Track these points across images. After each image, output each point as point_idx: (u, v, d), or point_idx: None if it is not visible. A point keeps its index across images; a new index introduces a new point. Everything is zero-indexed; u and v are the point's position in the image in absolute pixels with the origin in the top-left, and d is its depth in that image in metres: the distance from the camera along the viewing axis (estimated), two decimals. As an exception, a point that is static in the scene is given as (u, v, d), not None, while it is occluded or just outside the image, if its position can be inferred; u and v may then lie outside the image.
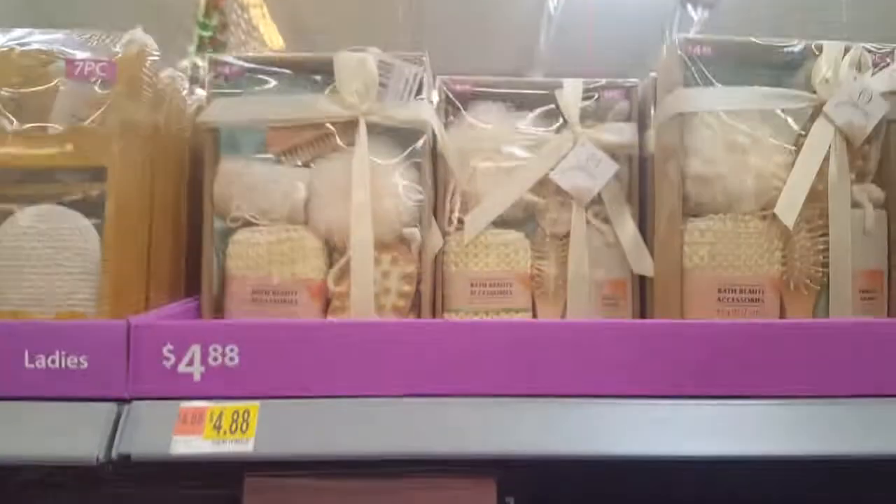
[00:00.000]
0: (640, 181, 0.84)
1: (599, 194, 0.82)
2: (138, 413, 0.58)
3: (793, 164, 0.74)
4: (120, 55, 0.68)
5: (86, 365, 0.60)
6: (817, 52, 0.76)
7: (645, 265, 0.81)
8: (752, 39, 0.76)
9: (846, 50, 0.76)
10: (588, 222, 0.83)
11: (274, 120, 0.78)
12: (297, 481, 0.67)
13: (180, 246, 0.81)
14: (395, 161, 0.79)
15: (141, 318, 0.64)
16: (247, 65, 0.80)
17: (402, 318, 0.78)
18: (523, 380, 0.63)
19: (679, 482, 0.78)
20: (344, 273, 0.77)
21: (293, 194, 0.78)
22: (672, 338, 0.64)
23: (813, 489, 0.78)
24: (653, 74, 0.83)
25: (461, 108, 0.85)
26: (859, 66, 0.76)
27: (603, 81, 0.85)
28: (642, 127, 0.84)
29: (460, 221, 0.83)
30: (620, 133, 0.83)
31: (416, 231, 0.78)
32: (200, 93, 0.83)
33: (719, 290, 0.74)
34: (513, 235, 0.82)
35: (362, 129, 0.77)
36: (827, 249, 0.74)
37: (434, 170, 0.83)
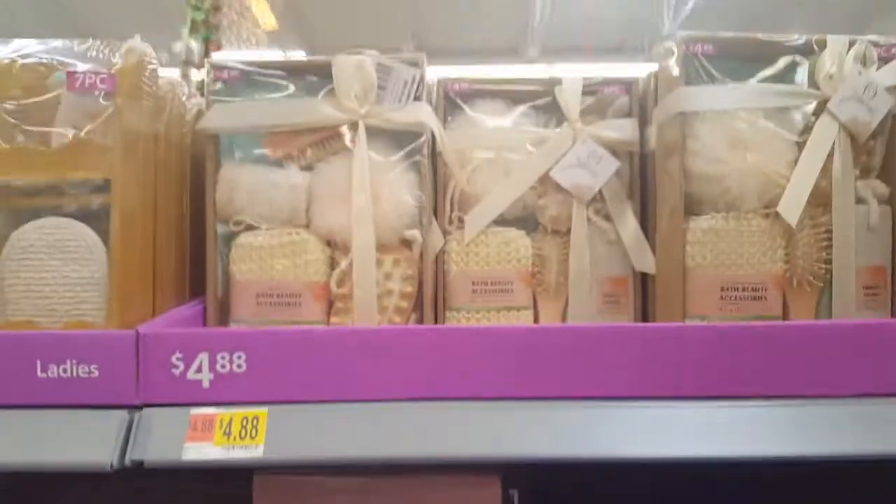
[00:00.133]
0: (641, 177, 0.84)
1: (600, 191, 0.82)
2: (149, 420, 0.60)
3: (796, 161, 0.74)
4: (119, 65, 0.69)
5: (96, 373, 0.61)
6: (821, 47, 0.76)
7: (646, 262, 0.81)
8: (755, 35, 0.76)
9: (851, 44, 0.75)
10: (589, 220, 0.83)
11: (273, 125, 0.78)
12: (305, 479, 0.69)
13: (184, 250, 0.82)
14: (394, 163, 0.79)
15: (149, 326, 0.65)
16: (245, 69, 0.80)
17: (405, 319, 0.79)
18: (527, 383, 0.64)
19: (682, 473, 0.79)
20: (346, 275, 0.78)
21: (294, 198, 0.79)
22: (673, 340, 0.65)
23: (815, 490, 0.78)
24: (653, 69, 0.83)
25: (459, 107, 0.85)
26: (864, 61, 0.75)
27: (602, 77, 0.85)
28: (643, 122, 0.84)
29: (461, 220, 0.83)
30: (621, 129, 0.83)
31: (417, 233, 0.79)
32: (199, 100, 0.83)
33: (722, 289, 0.74)
34: (513, 233, 0.83)
35: (361, 132, 0.77)
36: (830, 246, 0.74)
37: (434, 169, 0.83)
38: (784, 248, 0.74)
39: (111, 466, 0.56)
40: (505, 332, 0.66)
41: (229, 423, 0.59)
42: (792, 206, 0.72)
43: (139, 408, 0.61)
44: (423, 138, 0.79)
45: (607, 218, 0.83)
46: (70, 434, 0.59)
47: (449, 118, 0.85)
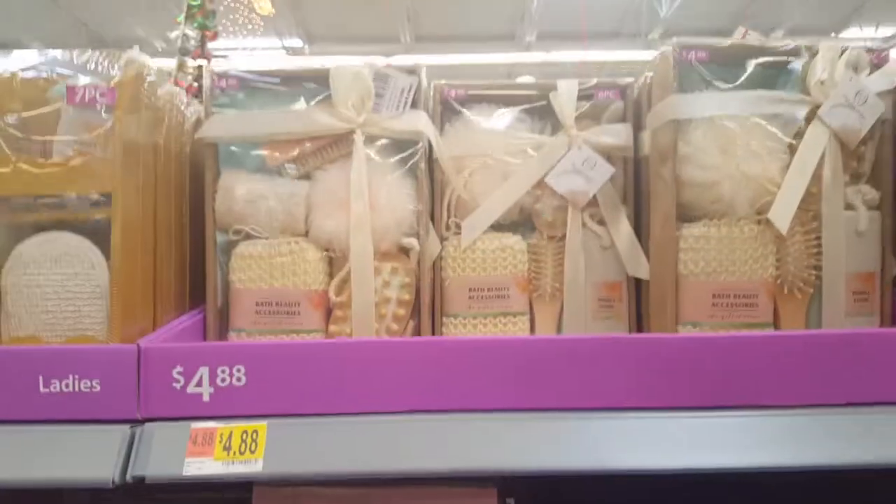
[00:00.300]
0: (635, 182, 0.85)
1: (595, 196, 0.83)
2: (151, 435, 0.61)
3: (787, 167, 0.75)
4: (119, 78, 0.69)
5: (98, 388, 0.62)
6: (813, 53, 0.76)
7: (640, 268, 0.82)
8: (747, 42, 0.76)
9: (842, 50, 0.76)
10: (584, 225, 0.83)
11: (272, 134, 0.79)
12: (303, 489, 0.70)
13: (184, 259, 0.83)
14: (392, 171, 0.80)
15: (150, 340, 0.66)
16: (244, 76, 0.81)
17: (403, 327, 0.80)
18: (523, 395, 0.65)
19: (679, 479, 0.80)
20: (345, 283, 0.79)
21: (293, 206, 0.80)
22: (668, 351, 0.66)
23: (812, 495, 0.80)
24: (648, 74, 0.83)
25: (456, 112, 0.85)
26: (856, 67, 0.76)
27: (596, 81, 0.85)
28: (637, 127, 0.85)
29: (457, 227, 0.84)
30: (616, 135, 0.84)
31: (414, 241, 0.80)
32: (198, 108, 0.83)
33: (714, 296, 0.75)
34: (510, 239, 0.83)
35: (359, 141, 0.78)
36: (820, 252, 0.75)
37: (430, 176, 0.84)
38: (775, 255, 0.75)
39: (112, 483, 0.57)
40: (501, 344, 0.67)
41: (229, 438, 0.60)
42: (782, 213, 0.73)
43: (140, 422, 0.62)
44: (419, 146, 0.80)
45: (602, 223, 0.84)
46: (72, 449, 0.60)
47: (446, 124, 0.85)
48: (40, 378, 0.62)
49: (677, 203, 0.77)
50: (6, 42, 6.59)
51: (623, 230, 0.83)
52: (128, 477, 0.58)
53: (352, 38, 6.65)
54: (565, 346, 0.67)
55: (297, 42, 7.03)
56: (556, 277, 0.84)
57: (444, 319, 0.83)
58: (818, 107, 0.75)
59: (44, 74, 0.70)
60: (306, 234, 0.80)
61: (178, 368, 0.63)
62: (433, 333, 0.82)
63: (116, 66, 0.71)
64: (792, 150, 0.75)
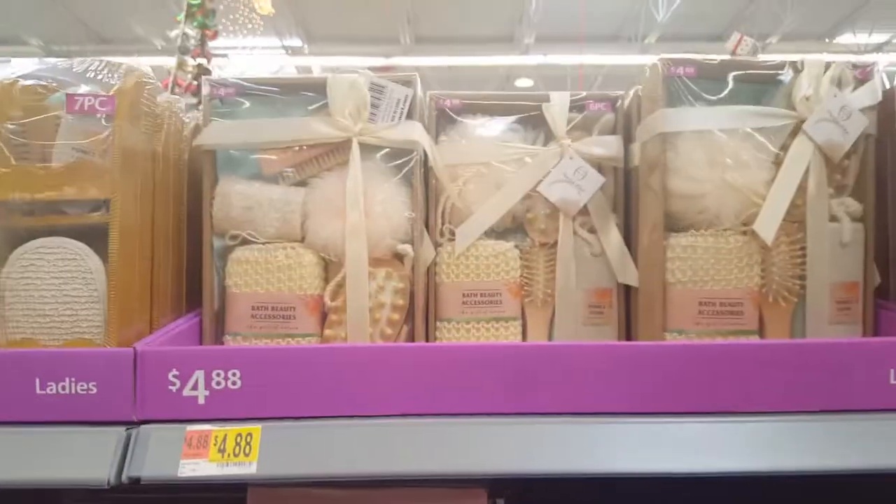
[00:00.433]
0: (625, 192, 0.87)
1: (586, 205, 0.84)
2: (146, 437, 0.62)
3: (772, 180, 0.76)
4: (118, 87, 0.70)
5: (95, 390, 0.64)
6: (799, 69, 0.78)
7: (629, 275, 0.84)
8: (734, 58, 0.78)
9: (827, 66, 0.78)
10: (575, 233, 0.85)
11: (269, 142, 0.80)
12: (297, 490, 0.71)
13: (181, 263, 0.84)
14: (387, 179, 0.81)
15: (147, 344, 0.67)
16: (242, 84, 0.82)
17: (397, 331, 0.81)
18: (514, 399, 0.66)
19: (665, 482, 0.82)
20: (340, 288, 0.80)
21: (289, 213, 0.81)
22: (655, 358, 0.67)
23: (803, 497, 0.81)
24: (638, 87, 0.85)
25: (451, 121, 0.87)
26: (839, 83, 0.77)
27: (588, 93, 0.87)
28: (627, 139, 0.86)
29: (451, 233, 0.85)
30: (607, 146, 0.85)
31: (409, 247, 0.81)
32: (196, 114, 0.85)
33: (700, 304, 0.77)
34: (502, 246, 0.85)
35: (355, 150, 0.79)
36: (805, 263, 0.77)
37: (426, 183, 0.85)
38: (760, 265, 0.77)
39: (108, 483, 0.58)
40: (493, 349, 0.69)
41: (224, 440, 0.61)
42: (768, 225, 0.75)
43: (136, 424, 0.64)
44: (415, 154, 0.82)
45: (592, 231, 0.86)
46: (68, 450, 0.61)
47: (441, 133, 0.87)
48: (37, 380, 0.64)
49: (665, 213, 0.78)
50: (6, 39, 6.59)
51: (613, 238, 0.85)
52: (123, 478, 0.59)
53: (351, 39, 6.67)
54: (555, 353, 0.68)
55: (296, 42, 7.05)
56: (547, 284, 0.85)
57: (438, 324, 0.84)
58: (803, 121, 0.76)
59: (43, 82, 0.71)
60: (302, 239, 0.82)
61: (174, 372, 0.64)
62: (427, 338, 0.83)
63: (116, 75, 0.72)
64: (777, 163, 0.77)
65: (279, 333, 0.79)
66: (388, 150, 0.82)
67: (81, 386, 0.64)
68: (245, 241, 0.81)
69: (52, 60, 0.73)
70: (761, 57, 0.81)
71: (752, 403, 0.67)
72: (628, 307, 0.86)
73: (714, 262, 0.76)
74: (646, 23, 6.34)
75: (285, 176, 0.82)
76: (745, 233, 0.77)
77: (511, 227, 0.88)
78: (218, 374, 0.65)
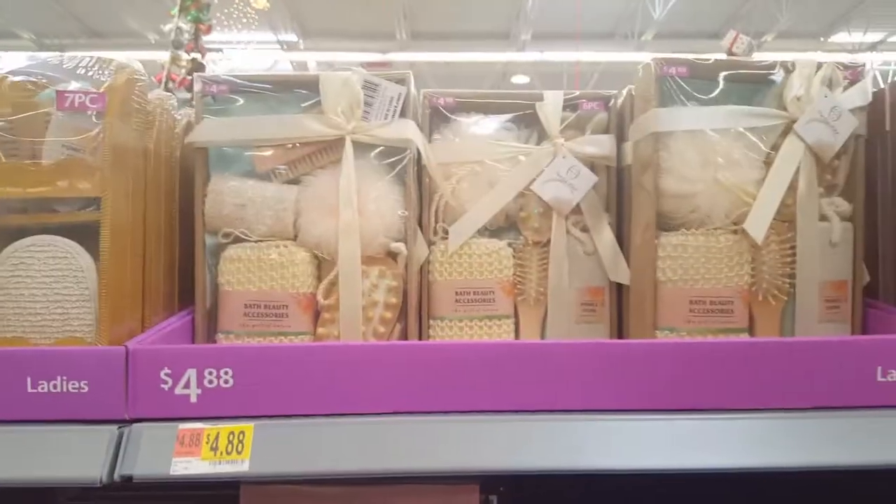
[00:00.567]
0: (617, 191, 0.87)
1: (579, 204, 0.85)
2: (138, 435, 0.62)
3: (763, 179, 0.77)
4: (108, 83, 0.70)
5: (86, 389, 0.64)
6: (790, 69, 0.78)
7: (621, 273, 0.84)
8: (727, 58, 0.78)
9: (818, 67, 0.78)
10: (568, 231, 0.85)
11: (261, 139, 0.80)
12: (289, 488, 0.72)
13: (173, 261, 0.84)
14: (380, 177, 0.81)
15: (138, 342, 0.67)
16: (235, 81, 0.82)
17: (390, 329, 0.81)
18: (506, 397, 0.67)
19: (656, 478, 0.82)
20: (333, 286, 0.80)
21: (282, 211, 0.81)
22: (647, 356, 0.68)
23: (790, 500, 0.82)
24: (630, 87, 0.85)
25: (444, 120, 0.87)
26: (830, 84, 0.78)
27: (581, 92, 0.87)
28: (620, 138, 0.87)
29: (445, 232, 0.85)
30: (600, 145, 0.86)
31: (402, 245, 0.81)
32: (189, 111, 0.85)
33: (691, 302, 0.77)
34: (496, 244, 0.85)
35: (348, 148, 0.79)
36: (795, 261, 0.77)
37: (419, 182, 0.85)
38: (750, 263, 0.78)
39: (100, 482, 0.58)
40: (486, 347, 0.69)
41: (216, 438, 0.61)
42: (758, 224, 0.75)
43: (128, 423, 0.64)
44: (408, 153, 0.82)
45: (585, 230, 0.86)
46: (60, 449, 0.61)
47: (434, 131, 0.87)
48: (28, 379, 0.64)
49: (657, 212, 0.79)
50: (-1, 33, 6.55)
51: (605, 237, 0.85)
52: (116, 476, 0.59)
53: (347, 35, 6.65)
54: (547, 351, 0.69)
55: (291, 37, 7.02)
56: (540, 282, 0.86)
57: (431, 322, 0.84)
58: (794, 121, 0.77)
59: (33, 78, 0.71)
60: (295, 237, 0.82)
61: (166, 370, 0.64)
62: (420, 336, 0.83)
63: (107, 72, 0.72)
64: (768, 162, 0.78)
65: (272, 332, 0.79)
66: (381, 148, 0.82)
67: (73, 385, 0.64)
68: (238, 239, 0.81)
69: (43, 56, 0.73)
70: (755, 56, 0.82)
71: (741, 401, 0.68)
72: (620, 306, 0.87)
73: (705, 261, 0.77)
74: (642, 20, 6.35)
75: (278, 173, 0.82)
76: (735, 232, 0.77)
77: (504, 226, 0.88)
78: (210, 373, 0.65)
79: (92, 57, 0.73)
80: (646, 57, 0.81)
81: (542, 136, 0.87)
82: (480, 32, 6.77)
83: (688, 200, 0.77)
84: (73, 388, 0.63)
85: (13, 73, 0.71)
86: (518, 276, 0.86)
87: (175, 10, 4.02)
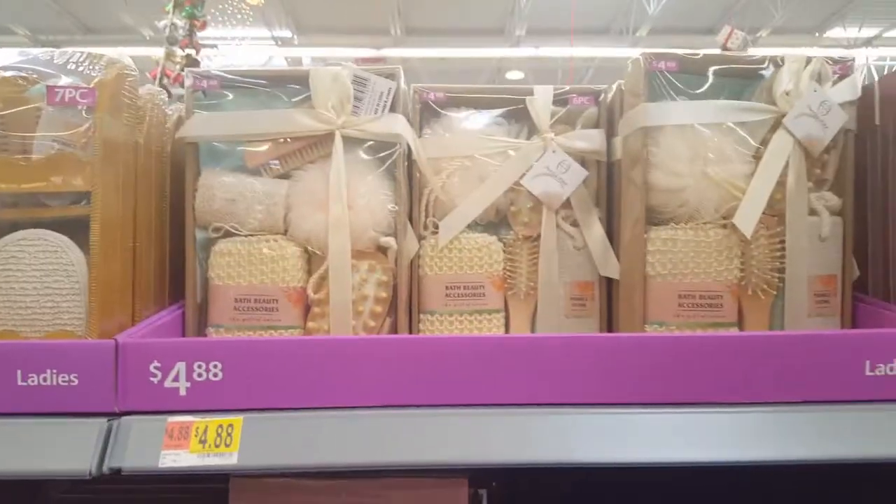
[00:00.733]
0: (607, 185, 0.87)
1: (569, 198, 0.85)
2: (128, 428, 0.62)
3: (753, 174, 0.77)
4: (99, 79, 0.70)
5: (76, 382, 0.64)
6: (780, 64, 0.78)
7: (611, 268, 0.85)
8: (716, 52, 0.78)
9: (808, 61, 0.78)
10: (558, 226, 0.86)
11: (252, 134, 0.80)
12: (279, 480, 0.72)
13: (163, 256, 0.84)
14: (370, 172, 0.82)
15: (128, 336, 0.67)
16: (226, 76, 0.82)
17: (380, 323, 0.82)
18: (495, 391, 0.67)
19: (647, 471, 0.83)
20: (323, 280, 0.81)
21: (272, 205, 0.81)
22: (636, 350, 0.68)
23: (779, 493, 0.82)
24: (620, 82, 0.85)
25: (435, 115, 0.87)
26: (819, 78, 0.78)
27: (571, 87, 0.87)
28: (610, 133, 0.87)
29: (435, 226, 0.86)
30: (590, 140, 0.86)
31: (392, 240, 0.81)
32: (179, 106, 0.85)
33: (680, 296, 0.78)
34: (486, 239, 0.86)
35: (338, 143, 0.79)
36: (784, 256, 0.77)
37: (409, 176, 0.85)
38: (740, 258, 0.78)
39: (90, 474, 0.59)
40: (476, 341, 0.69)
41: (205, 431, 0.61)
42: (747, 218, 0.76)
43: (118, 415, 0.64)
44: (398, 147, 0.82)
45: (575, 224, 0.86)
46: (49, 442, 0.61)
47: (425, 126, 0.87)
48: (18, 372, 0.64)
49: (646, 206, 0.79)
50: (-8, 28, 6.51)
51: (595, 231, 0.85)
52: (105, 469, 0.60)
53: (341, 30, 6.63)
54: (537, 345, 0.69)
55: (286, 33, 7.00)
56: (530, 276, 0.86)
57: (421, 316, 0.85)
58: (783, 116, 0.77)
59: (24, 73, 0.70)
60: (285, 232, 0.82)
61: (156, 363, 0.65)
62: (410, 330, 0.84)
63: (97, 67, 0.72)
64: (758, 157, 0.78)
65: (262, 325, 0.79)
66: (371, 142, 0.82)
67: (63, 378, 0.64)
68: (228, 234, 0.81)
69: (33, 52, 0.73)
70: (749, 52, 0.82)
71: (731, 395, 0.68)
72: (610, 300, 0.87)
73: (694, 255, 0.77)
74: (637, 16, 6.35)
75: (268, 168, 0.82)
76: (725, 226, 0.78)
77: (494, 221, 0.88)
78: (199, 366, 0.65)
79: (82, 52, 0.73)
80: (640, 53, 0.81)
81: (533, 131, 0.87)
82: (475, 28, 6.77)
83: (677, 195, 0.78)
84: (63, 381, 0.64)
85: (4, 68, 0.71)
86: (508, 270, 0.86)
87: (170, 7, 4.01)
